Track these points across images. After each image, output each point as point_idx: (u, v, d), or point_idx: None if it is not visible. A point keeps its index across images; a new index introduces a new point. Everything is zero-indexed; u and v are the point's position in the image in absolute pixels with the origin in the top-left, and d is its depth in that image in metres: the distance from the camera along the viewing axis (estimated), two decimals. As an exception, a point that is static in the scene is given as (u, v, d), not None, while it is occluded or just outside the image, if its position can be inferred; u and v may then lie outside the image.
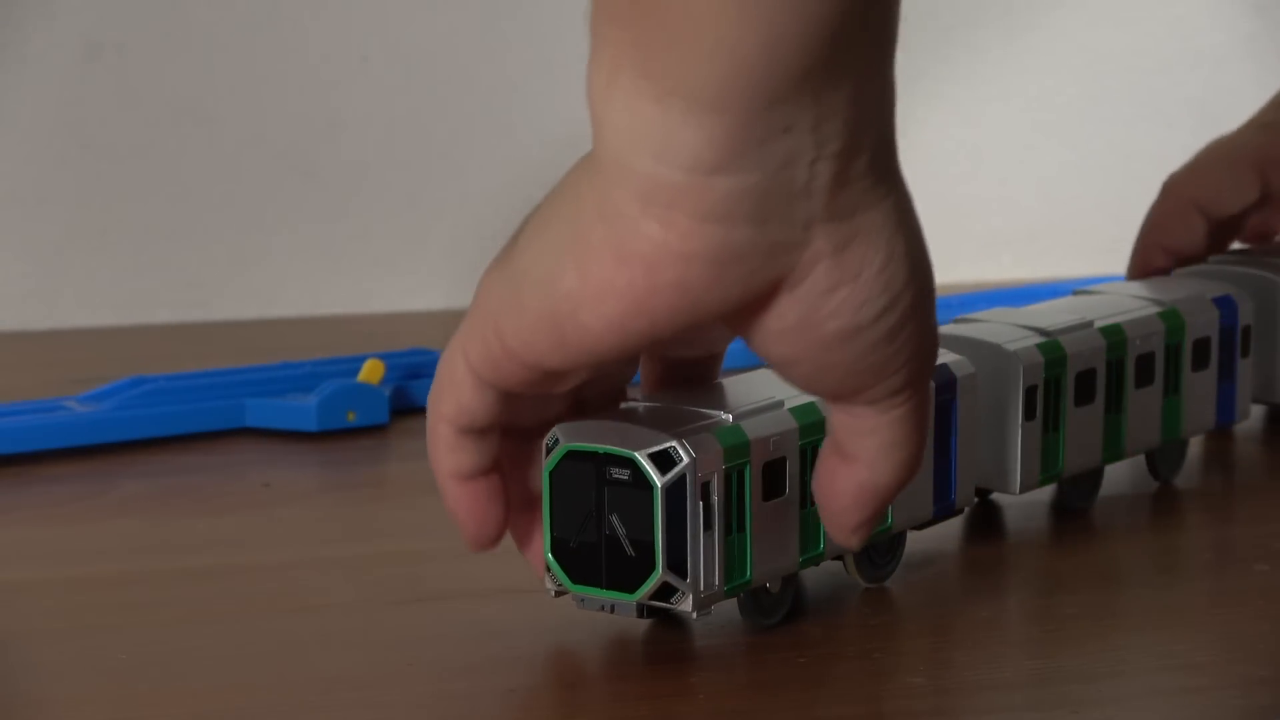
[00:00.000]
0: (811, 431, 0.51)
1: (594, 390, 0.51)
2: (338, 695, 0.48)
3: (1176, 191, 0.77)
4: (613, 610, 0.50)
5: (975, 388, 0.57)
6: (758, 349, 0.44)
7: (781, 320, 0.42)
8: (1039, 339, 0.61)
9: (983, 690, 0.48)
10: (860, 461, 0.46)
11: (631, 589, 0.49)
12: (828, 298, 0.42)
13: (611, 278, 0.42)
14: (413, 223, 1.04)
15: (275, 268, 1.02)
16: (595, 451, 0.49)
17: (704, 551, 0.49)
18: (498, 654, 0.50)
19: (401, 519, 0.64)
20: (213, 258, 1.02)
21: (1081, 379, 0.62)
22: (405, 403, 0.75)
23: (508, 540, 0.51)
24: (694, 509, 0.49)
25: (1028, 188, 1.14)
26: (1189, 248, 0.75)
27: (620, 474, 0.49)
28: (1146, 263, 0.76)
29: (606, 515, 0.50)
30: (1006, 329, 0.61)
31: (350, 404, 0.72)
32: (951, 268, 1.05)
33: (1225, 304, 0.68)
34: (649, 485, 0.48)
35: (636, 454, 0.48)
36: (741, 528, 0.50)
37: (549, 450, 0.50)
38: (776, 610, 0.53)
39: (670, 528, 0.49)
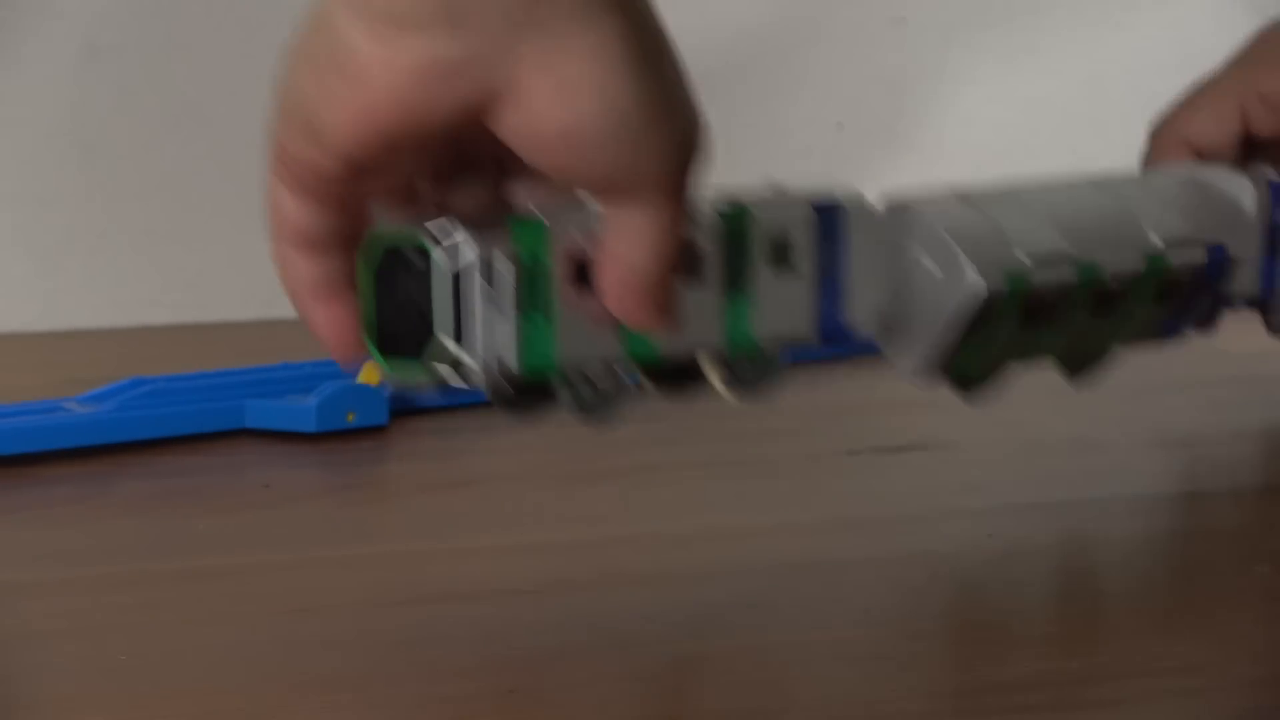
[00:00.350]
0: None
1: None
2: (337, 696, 0.48)
3: (1165, 132, 0.78)
4: (419, 390, 0.55)
5: (870, 216, 0.60)
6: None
7: (511, 128, 0.46)
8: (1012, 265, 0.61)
9: (981, 692, 0.48)
10: (615, 252, 0.50)
11: (424, 362, 0.53)
12: (546, 107, 0.46)
13: (336, 89, 0.46)
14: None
15: (275, 269, 1.02)
16: (396, 237, 0.53)
17: (490, 328, 0.53)
18: (498, 655, 0.50)
19: (401, 520, 0.64)
20: (213, 258, 1.02)
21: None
22: (404, 404, 0.75)
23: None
24: (478, 288, 0.52)
25: (1027, 189, 1.13)
26: None
27: (415, 257, 0.53)
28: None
29: (405, 295, 0.54)
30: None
31: (350, 405, 0.72)
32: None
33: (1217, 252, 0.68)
34: (434, 265, 0.52)
35: (424, 238, 0.52)
36: (543, 313, 0.53)
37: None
38: (602, 408, 0.55)
39: (456, 304, 0.53)
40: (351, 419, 0.72)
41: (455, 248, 0.52)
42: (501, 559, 0.59)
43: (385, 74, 0.45)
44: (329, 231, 0.52)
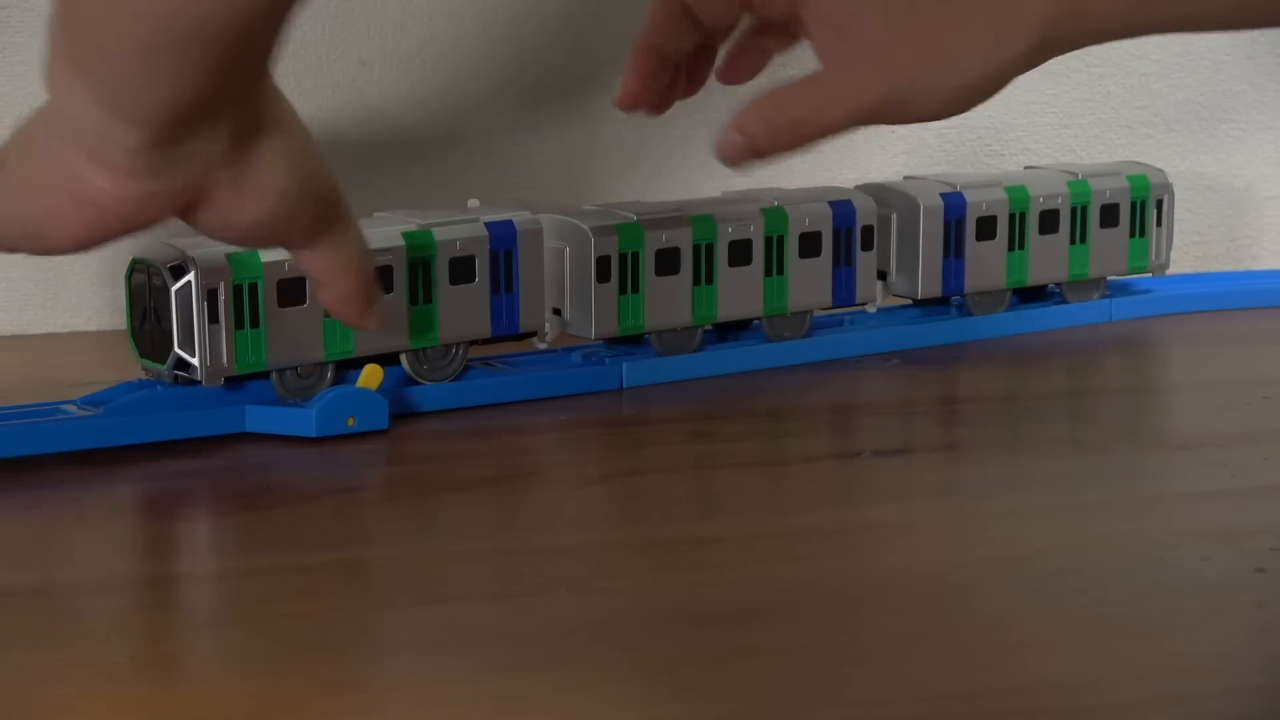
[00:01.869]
0: None
1: None
2: (338, 699, 0.48)
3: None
4: (170, 380, 0.71)
5: (538, 238, 0.78)
6: None
7: (209, 221, 0.62)
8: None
9: (979, 696, 0.48)
10: (323, 283, 0.66)
11: (164, 361, 0.71)
12: (236, 208, 0.61)
13: (70, 213, 0.59)
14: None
15: None
16: (146, 263, 0.71)
17: (210, 338, 0.70)
18: (499, 658, 0.50)
19: (401, 523, 0.64)
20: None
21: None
22: (404, 408, 0.75)
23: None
24: (199, 306, 0.70)
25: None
26: (677, 53, 0.73)
27: (157, 279, 0.71)
28: (636, 65, 0.74)
29: (152, 308, 0.71)
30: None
31: (350, 409, 0.72)
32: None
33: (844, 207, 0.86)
34: (167, 288, 0.70)
35: (162, 266, 0.70)
36: (256, 325, 0.71)
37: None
38: (306, 389, 0.73)
39: (181, 319, 0.70)
40: (351, 424, 0.72)
41: (183, 273, 0.70)
42: (502, 561, 0.59)
43: (116, 203, 0.59)
44: None
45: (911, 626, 0.53)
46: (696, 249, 0.81)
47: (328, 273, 0.67)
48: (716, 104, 1.08)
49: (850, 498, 0.67)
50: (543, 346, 0.80)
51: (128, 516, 0.64)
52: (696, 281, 0.81)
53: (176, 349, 0.70)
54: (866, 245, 0.86)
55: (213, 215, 0.62)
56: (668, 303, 0.81)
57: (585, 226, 0.79)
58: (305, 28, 1.00)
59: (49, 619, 0.54)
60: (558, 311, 0.80)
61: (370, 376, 0.72)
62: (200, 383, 0.70)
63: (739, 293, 0.83)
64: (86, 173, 0.58)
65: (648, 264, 0.80)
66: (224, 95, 0.57)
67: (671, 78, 0.72)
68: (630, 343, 0.82)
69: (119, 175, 0.58)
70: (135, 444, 0.70)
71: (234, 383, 0.72)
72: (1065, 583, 0.57)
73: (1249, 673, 0.49)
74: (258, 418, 0.72)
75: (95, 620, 0.55)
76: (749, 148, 0.71)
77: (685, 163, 1.05)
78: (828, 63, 0.69)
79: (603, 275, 0.79)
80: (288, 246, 0.67)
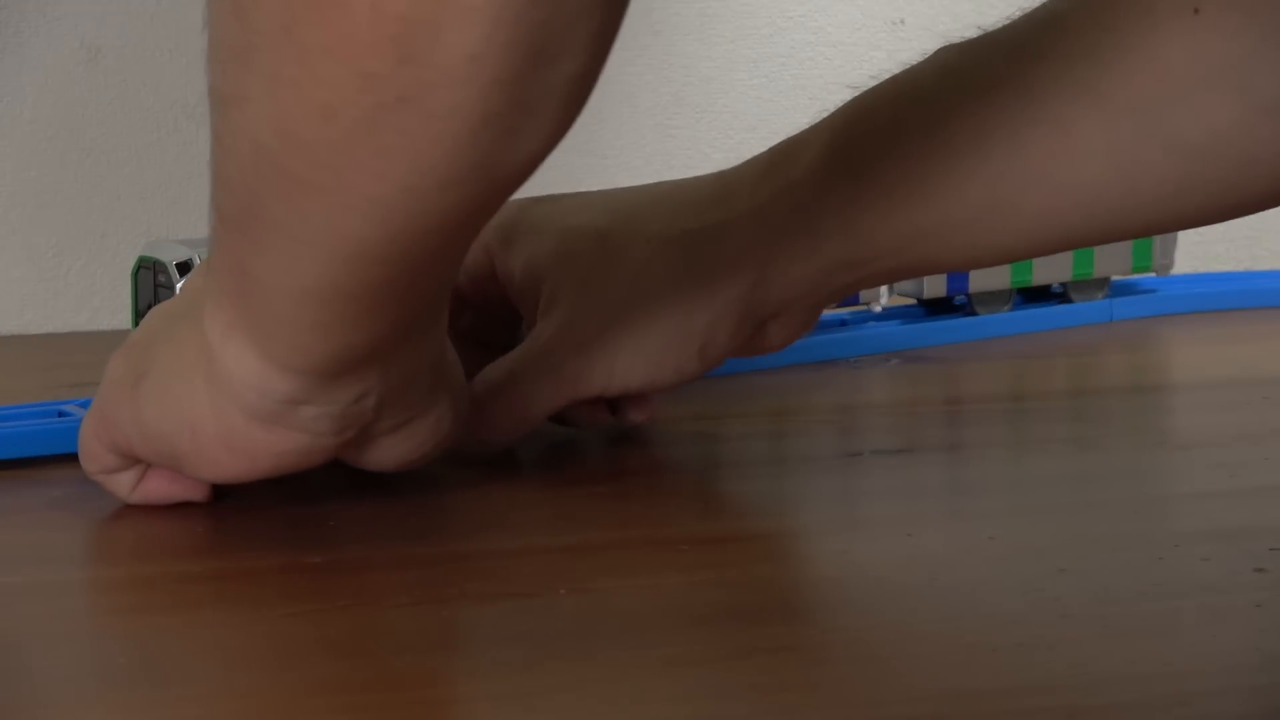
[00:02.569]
0: None
1: None
2: (338, 700, 0.48)
3: None
4: None
5: None
6: None
7: (360, 458, 0.61)
8: None
9: (980, 696, 0.48)
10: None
11: None
12: (391, 449, 0.61)
13: (220, 458, 0.58)
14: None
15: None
16: (152, 260, 0.72)
17: None
18: (502, 659, 0.50)
19: (400, 523, 0.64)
20: (212, 260, 1.02)
21: None
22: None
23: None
24: None
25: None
26: None
27: (162, 277, 0.72)
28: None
29: (156, 301, 0.71)
30: None
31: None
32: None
33: None
34: (173, 286, 0.71)
35: (169, 264, 0.71)
36: None
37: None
38: None
39: None
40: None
41: (189, 271, 0.70)
42: (501, 561, 0.59)
43: (273, 456, 0.57)
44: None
45: (911, 626, 0.53)
46: None
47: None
48: (716, 100, 1.08)
49: (850, 498, 0.67)
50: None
51: (127, 516, 0.64)
52: None
53: None
54: None
55: (362, 455, 0.61)
56: None
57: None
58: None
59: (49, 619, 0.54)
60: None
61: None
62: None
63: None
64: (241, 425, 0.57)
65: None
66: (386, 344, 0.55)
67: None
68: None
69: (277, 426, 0.56)
70: (135, 444, 0.70)
71: None
72: (1065, 583, 0.57)
73: (1249, 673, 0.49)
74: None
75: (95, 620, 0.55)
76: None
77: (686, 162, 1.05)
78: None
79: None
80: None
